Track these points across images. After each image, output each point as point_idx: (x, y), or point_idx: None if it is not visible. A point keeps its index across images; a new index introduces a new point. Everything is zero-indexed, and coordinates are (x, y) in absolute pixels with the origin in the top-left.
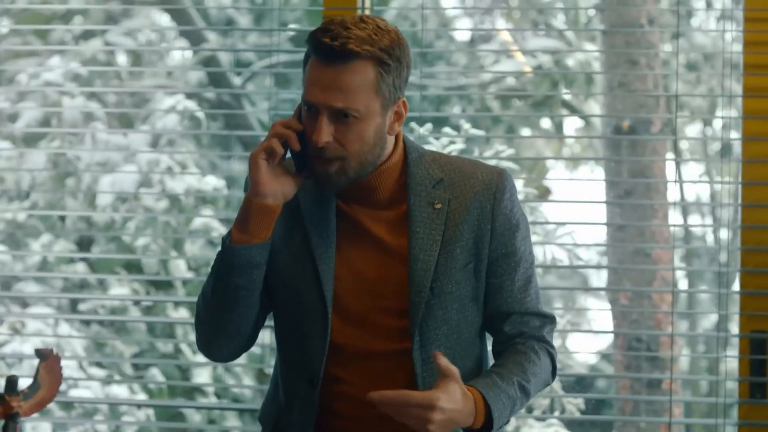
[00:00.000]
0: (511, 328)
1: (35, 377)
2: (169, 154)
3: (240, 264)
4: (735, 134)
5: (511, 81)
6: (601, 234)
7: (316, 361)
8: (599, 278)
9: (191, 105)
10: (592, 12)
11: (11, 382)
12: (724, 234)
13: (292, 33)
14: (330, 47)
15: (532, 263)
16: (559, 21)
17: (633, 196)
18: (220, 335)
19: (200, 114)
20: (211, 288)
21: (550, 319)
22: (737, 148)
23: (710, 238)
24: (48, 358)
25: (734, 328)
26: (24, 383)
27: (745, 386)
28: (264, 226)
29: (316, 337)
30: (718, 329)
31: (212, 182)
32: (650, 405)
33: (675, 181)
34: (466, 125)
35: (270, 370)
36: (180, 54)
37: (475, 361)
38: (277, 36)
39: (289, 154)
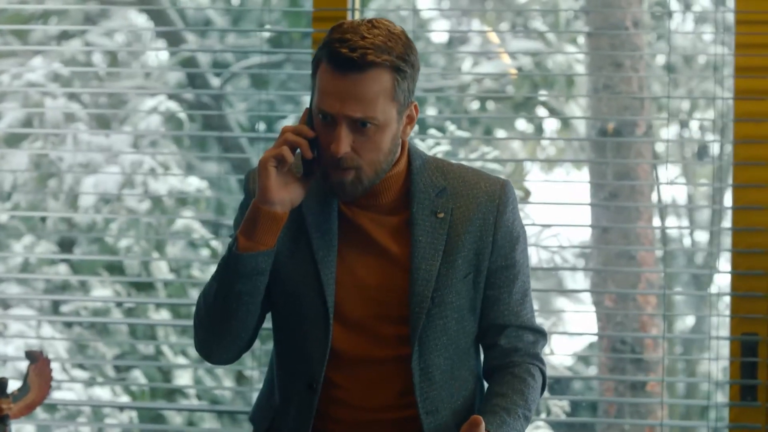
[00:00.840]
0: (506, 342)
1: (25, 379)
2: (151, 155)
3: (245, 271)
4: (711, 136)
5: (489, 83)
6: (582, 236)
7: (317, 365)
8: (574, 280)
9: (173, 106)
10: (571, 14)
11: (1, 384)
12: (704, 236)
13: (269, 34)
14: (349, 59)
15: (529, 276)
16: (539, 23)
17: (618, 199)
18: (220, 339)
19: (182, 115)
20: (213, 293)
21: (543, 335)
22: (716, 150)
23: (687, 241)
24: (38, 361)
25: (723, 330)
26: (11, 385)
27: (736, 389)
28: (271, 233)
29: (317, 342)
30: (697, 331)
31: (195, 183)
32: (634, 407)
33: (670, 183)
34: (451, 127)
35: (249, 372)
36: (157, 55)
37: (469, 371)
38: (255, 36)
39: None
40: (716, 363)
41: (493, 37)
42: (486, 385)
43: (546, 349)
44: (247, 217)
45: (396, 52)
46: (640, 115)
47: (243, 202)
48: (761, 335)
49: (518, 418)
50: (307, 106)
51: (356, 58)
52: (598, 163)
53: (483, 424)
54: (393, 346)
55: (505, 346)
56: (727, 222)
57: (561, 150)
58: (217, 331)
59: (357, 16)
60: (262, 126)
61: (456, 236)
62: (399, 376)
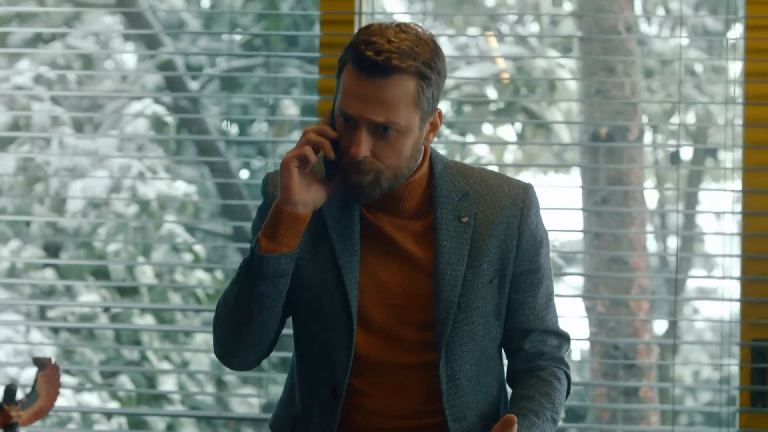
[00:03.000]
0: (531, 347)
1: (33, 386)
2: (138, 158)
3: (268, 273)
4: (675, 140)
5: (468, 88)
6: (574, 241)
7: (340, 372)
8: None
9: (160, 110)
10: (560, 19)
11: (10, 391)
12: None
13: (243, 37)
14: (374, 62)
15: (552, 280)
16: (521, 28)
17: (610, 204)
18: (241, 344)
19: (169, 119)
20: (234, 296)
21: (566, 339)
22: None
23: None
24: (46, 367)
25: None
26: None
27: (746, 395)
28: (293, 235)
29: (340, 348)
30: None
31: (182, 188)
32: (626, 413)
33: (674, 189)
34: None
35: (228, 377)
36: (134, 57)
37: (494, 377)
38: (226, 40)
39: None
40: (686, 367)
41: (492, 41)
42: (509, 390)
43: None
44: (269, 218)
45: (422, 58)
46: (633, 120)
47: (261, 206)
48: None
49: (547, 420)
50: (330, 108)
51: (381, 62)
52: (591, 168)
53: (516, 424)
54: (417, 352)
55: (531, 351)
56: (735, 228)
57: (533, 155)
58: (238, 335)
59: (363, 19)
60: (263, 129)
61: (480, 241)
62: (424, 382)
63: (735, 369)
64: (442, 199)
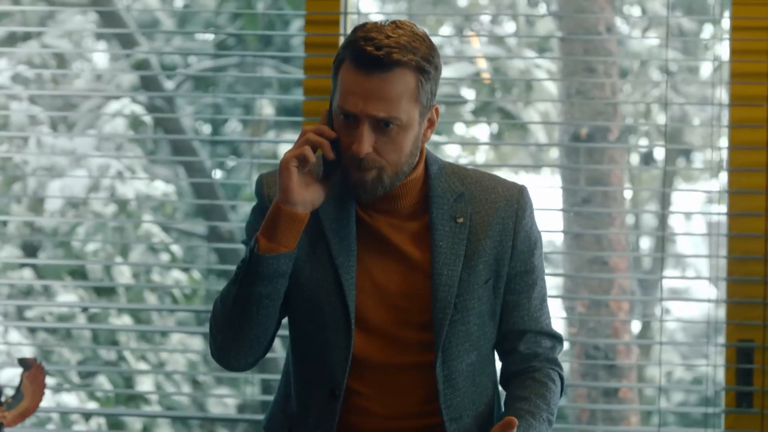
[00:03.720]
0: (525, 348)
1: (18, 387)
2: (118, 158)
3: (267, 273)
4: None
5: (445, 88)
6: (552, 241)
7: (338, 373)
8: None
9: (138, 109)
10: (535, 19)
11: None
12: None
13: (216, 36)
14: (375, 57)
15: (545, 281)
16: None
17: (590, 204)
18: (239, 344)
19: (147, 118)
20: (233, 296)
21: (560, 340)
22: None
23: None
24: (31, 368)
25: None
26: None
27: (732, 396)
28: (292, 235)
29: (338, 349)
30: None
31: (161, 187)
32: (606, 413)
33: (658, 190)
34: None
35: (203, 378)
36: (106, 56)
37: (489, 377)
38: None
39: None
40: (659, 368)
41: (475, 41)
42: (502, 391)
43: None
44: (268, 218)
45: (421, 52)
46: (613, 120)
47: (256, 206)
48: (757, 342)
49: (543, 421)
50: (326, 108)
51: (382, 56)
52: (571, 169)
53: (516, 426)
54: (415, 352)
55: (525, 352)
56: (722, 229)
57: (506, 156)
58: (236, 336)
59: (348, 19)
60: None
61: (476, 241)
62: (421, 383)
63: (721, 370)
64: (438, 199)
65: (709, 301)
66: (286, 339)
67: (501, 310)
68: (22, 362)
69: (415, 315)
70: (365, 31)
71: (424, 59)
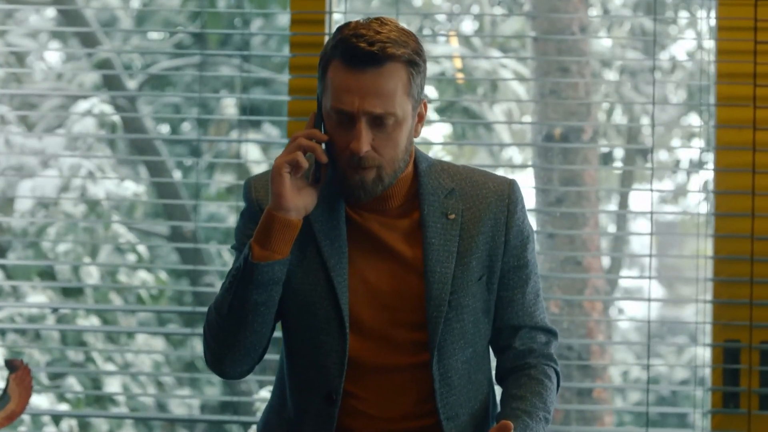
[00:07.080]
0: (521, 344)
1: (5, 389)
2: (86, 157)
3: (261, 281)
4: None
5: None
6: None
7: (335, 376)
8: None
9: (107, 109)
10: (504, 18)
11: None
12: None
13: (176, 35)
14: (368, 52)
15: (538, 276)
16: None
17: (564, 204)
18: (234, 352)
19: (116, 118)
20: (227, 304)
21: (554, 335)
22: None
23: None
24: (18, 369)
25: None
26: None
27: (719, 396)
28: (286, 241)
29: (333, 352)
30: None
31: (132, 188)
32: (580, 413)
33: (648, 189)
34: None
35: (166, 379)
36: (63, 55)
37: (484, 374)
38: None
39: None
40: (615, 367)
41: (453, 41)
42: (498, 388)
43: None
44: (261, 225)
45: (411, 46)
46: (587, 120)
47: (245, 211)
48: (744, 342)
49: (540, 420)
50: (314, 111)
51: (376, 51)
52: (545, 169)
53: (512, 429)
54: (410, 352)
55: (520, 348)
56: (710, 229)
57: (467, 155)
58: (231, 344)
59: (332, 18)
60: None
61: (468, 238)
62: (417, 383)
63: (708, 370)
64: (428, 196)
65: (696, 301)
66: (275, 342)
67: (495, 306)
68: (9, 364)
69: (408, 314)
70: (352, 29)
71: (415, 53)
